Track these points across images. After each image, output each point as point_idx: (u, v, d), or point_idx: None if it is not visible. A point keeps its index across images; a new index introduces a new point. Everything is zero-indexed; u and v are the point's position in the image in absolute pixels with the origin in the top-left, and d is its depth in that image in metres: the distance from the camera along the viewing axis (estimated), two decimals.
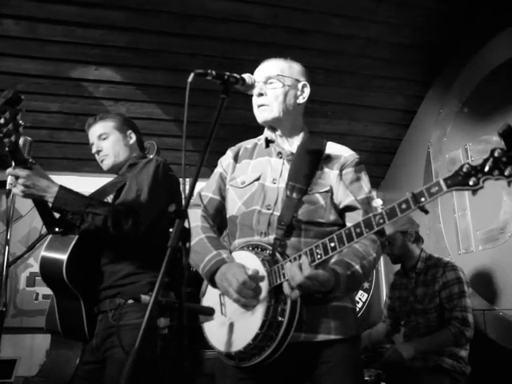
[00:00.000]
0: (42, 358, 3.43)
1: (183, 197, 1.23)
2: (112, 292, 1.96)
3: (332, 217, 1.61)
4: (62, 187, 1.83)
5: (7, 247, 2.41)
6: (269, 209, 1.61)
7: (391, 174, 4.78)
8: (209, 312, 1.55)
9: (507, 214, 3.22)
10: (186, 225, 1.18)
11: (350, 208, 1.62)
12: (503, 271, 3.24)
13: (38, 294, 4.04)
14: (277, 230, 1.56)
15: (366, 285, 4.75)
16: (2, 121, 1.68)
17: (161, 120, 4.06)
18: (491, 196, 3.27)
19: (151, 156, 2.43)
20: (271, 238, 1.56)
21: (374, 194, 1.69)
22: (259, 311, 1.44)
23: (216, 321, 1.57)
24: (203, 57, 3.66)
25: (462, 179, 1.15)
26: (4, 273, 2.28)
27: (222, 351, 1.53)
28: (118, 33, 3.44)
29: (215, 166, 1.84)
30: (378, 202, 1.34)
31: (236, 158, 1.80)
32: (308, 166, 1.65)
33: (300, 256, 1.42)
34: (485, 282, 3.35)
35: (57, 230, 1.96)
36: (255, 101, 1.71)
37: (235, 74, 1.42)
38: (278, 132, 1.74)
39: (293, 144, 1.73)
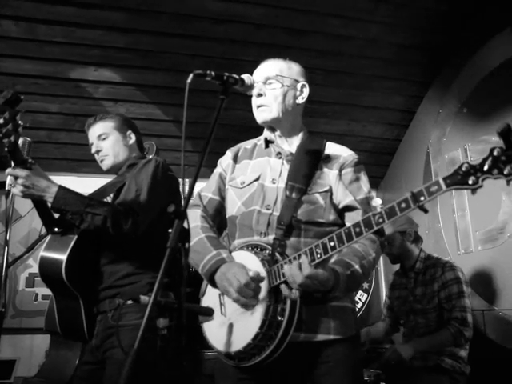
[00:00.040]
0: (42, 358, 3.42)
1: (182, 197, 1.23)
2: (111, 292, 1.96)
3: (331, 217, 1.62)
4: (61, 187, 1.83)
5: (6, 248, 2.41)
6: (268, 209, 1.61)
7: (390, 174, 4.78)
8: (208, 312, 1.55)
9: (506, 215, 3.23)
10: (186, 225, 1.18)
11: (349, 208, 1.63)
12: (502, 271, 3.24)
13: (37, 295, 4.04)
14: (276, 230, 1.56)
15: (365, 285, 4.75)
16: (2, 121, 1.69)
17: (160, 120, 4.07)
18: (490, 196, 3.28)
19: (150, 156, 2.43)
20: (271, 238, 1.56)
21: (373, 194, 1.70)
22: (259, 311, 1.44)
23: (216, 321, 1.57)
24: (202, 57, 3.66)
25: (462, 178, 1.16)
26: (3, 273, 2.28)
27: (222, 351, 1.53)
28: (117, 33, 3.44)
29: (215, 166, 1.84)
30: (377, 202, 1.34)
31: (235, 159, 1.80)
32: (307, 165, 1.65)
33: (300, 255, 1.42)
34: (484, 282, 3.35)
35: (56, 230, 1.96)
36: (254, 101, 1.71)
37: (234, 75, 1.42)
38: (278, 132, 1.74)
39: (292, 144, 1.73)
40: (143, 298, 1.38)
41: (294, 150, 1.71)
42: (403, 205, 1.24)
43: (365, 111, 4.32)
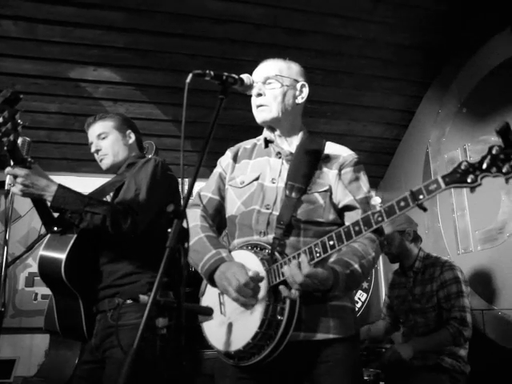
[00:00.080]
0: (41, 357, 3.42)
1: (182, 197, 1.23)
2: (111, 292, 1.96)
3: (331, 216, 1.62)
4: (60, 186, 1.83)
5: (6, 247, 2.40)
6: (268, 208, 1.61)
7: (390, 174, 4.78)
8: (207, 312, 1.55)
9: (506, 214, 3.23)
10: (185, 225, 1.18)
11: (348, 208, 1.63)
12: (502, 271, 3.25)
13: (36, 294, 4.04)
14: (276, 229, 1.56)
15: (365, 284, 4.75)
16: (1, 120, 1.69)
17: (160, 120, 4.07)
18: (490, 196, 3.28)
19: (150, 156, 2.43)
20: (270, 237, 1.57)
21: (372, 193, 1.70)
22: (258, 310, 1.44)
23: (215, 320, 1.57)
24: (202, 57, 3.66)
25: (460, 176, 1.16)
26: (3, 273, 2.28)
27: (222, 350, 1.53)
28: (116, 33, 3.44)
29: (214, 166, 1.84)
30: (376, 200, 1.34)
31: (235, 158, 1.80)
32: (307, 165, 1.65)
33: (299, 255, 1.42)
34: (483, 282, 3.36)
35: (55, 229, 1.96)
36: (254, 101, 1.71)
37: (233, 75, 1.42)
38: (277, 132, 1.75)
39: (292, 144, 1.74)
40: (142, 298, 1.38)
41: (293, 149, 1.71)
42: (402, 203, 1.24)
43: (364, 111, 4.33)
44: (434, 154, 4.03)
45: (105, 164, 2.18)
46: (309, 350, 1.51)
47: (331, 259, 1.50)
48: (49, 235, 2.00)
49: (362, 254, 1.52)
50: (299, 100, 1.73)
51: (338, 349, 1.53)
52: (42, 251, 1.96)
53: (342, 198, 1.63)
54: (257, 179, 1.68)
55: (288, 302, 1.42)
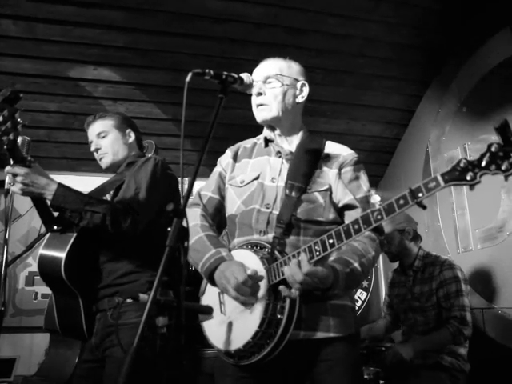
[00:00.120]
0: (41, 357, 3.43)
1: (182, 196, 1.23)
2: (111, 291, 1.96)
3: (331, 215, 1.62)
4: (60, 185, 1.83)
5: (6, 246, 2.40)
6: (268, 207, 1.61)
7: (390, 173, 4.78)
8: (207, 311, 1.55)
9: (506, 213, 3.23)
10: (185, 224, 1.18)
11: (348, 207, 1.63)
12: (502, 270, 3.25)
13: (37, 294, 4.04)
14: (276, 228, 1.56)
15: (365, 283, 4.76)
16: (1, 119, 1.69)
17: (159, 119, 4.07)
18: (490, 195, 3.28)
19: (149, 155, 2.43)
20: (270, 236, 1.57)
21: (372, 192, 1.70)
22: (258, 309, 1.45)
23: (215, 319, 1.57)
24: (202, 56, 3.66)
25: (460, 174, 1.16)
26: (3, 272, 2.28)
27: (222, 349, 1.53)
28: (116, 32, 3.44)
29: (214, 165, 1.84)
30: (375, 198, 1.34)
31: (235, 158, 1.80)
32: (307, 164, 1.65)
33: (299, 253, 1.42)
34: (483, 281, 3.36)
35: (55, 228, 1.95)
36: (254, 100, 1.71)
37: (233, 74, 1.42)
38: (277, 131, 1.75)
39: (292, 143, 1.74)
40: (142, 297, 1.38)
41: (293, 148, 1.71)
42: (401, 201, 1.24)
43: (364, 110, 4.33)
44: (433, 153, 4.03)
45: (104, 163, 2.18)
46: (309, 349, 1.51)
47: (331, 258, 1.50)
48: (49, 234, 2.00)
49: (361, 253, 1.52)
50: (299, 99, 1.73)
51: (338, 347, 1.53)
52: (41, 250, 1.96)
53: (342, 197, 1.63)
54: (257, 178, 1.68)
55: (288, 300, 1.42)
